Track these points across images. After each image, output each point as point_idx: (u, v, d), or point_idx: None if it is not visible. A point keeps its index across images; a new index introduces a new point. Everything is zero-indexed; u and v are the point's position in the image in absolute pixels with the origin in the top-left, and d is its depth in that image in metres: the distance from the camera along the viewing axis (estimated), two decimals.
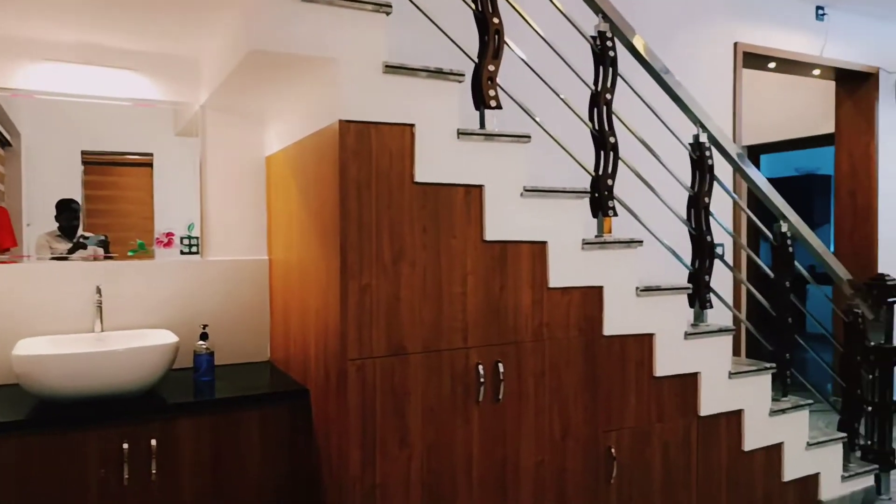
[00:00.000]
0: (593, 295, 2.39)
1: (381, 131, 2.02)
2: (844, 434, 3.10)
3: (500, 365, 2.21)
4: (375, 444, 2.04)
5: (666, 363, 2.54)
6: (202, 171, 2.67)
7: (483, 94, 2.19)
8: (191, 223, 2.65)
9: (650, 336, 2.52)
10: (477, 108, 2.23)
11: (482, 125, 2.21)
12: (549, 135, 2.38)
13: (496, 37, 2.19)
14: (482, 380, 2.18)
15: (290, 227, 2.50)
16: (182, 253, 2.63)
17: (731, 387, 2.72)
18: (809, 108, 5.62)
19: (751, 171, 2.84)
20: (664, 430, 2.56)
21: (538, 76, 2.37)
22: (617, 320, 2.43)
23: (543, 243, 2.29)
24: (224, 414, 2.18)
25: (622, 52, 2.51)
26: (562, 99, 2.41)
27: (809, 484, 2.98)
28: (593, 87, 2.46)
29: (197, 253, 2.65)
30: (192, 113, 2.67)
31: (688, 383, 2.62)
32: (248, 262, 2.73)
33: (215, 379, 2.40)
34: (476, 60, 2.22)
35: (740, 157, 2.82)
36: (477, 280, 2.18)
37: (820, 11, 4.46)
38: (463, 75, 2.14)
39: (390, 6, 2.05)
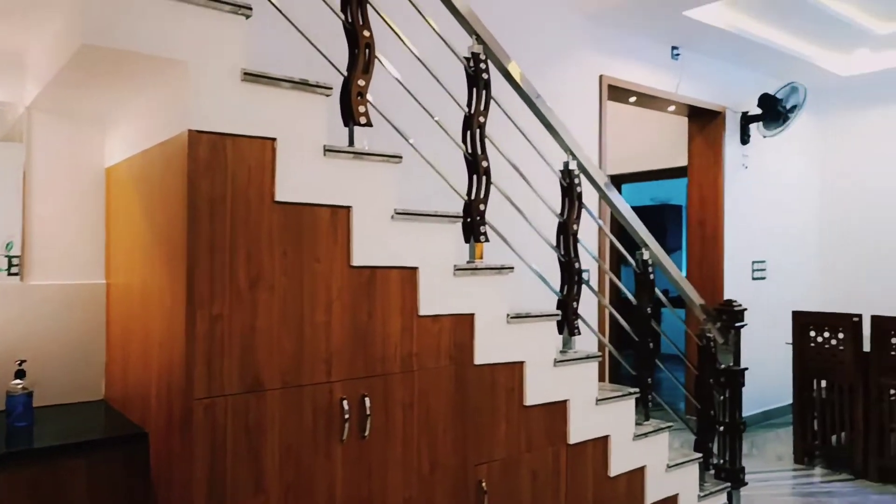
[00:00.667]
0: (464, 322, 2.31)
1: (238, 144, 1.84)
2: (701, 454, 3.23)
3: (367, 399, 2.06)
4: (225, 492, 1.81)
5: (536, 391, 2.51)
6: (26, 181, 2.32)
7: (352, 109, 2.06)
8: (10, 241, 2.29)
9: (521, 364, 2.47)
10: (346, 124, 2.09)
11: (351, 143, 2.08)
12: (422, 156, 2.29)
13: (367, 50, 2.08)
14: (347, 415, 2.02)
15: (133, 247, 2.22)
16: None
17: (598, 413, 2.74)
18: (665, 142, 6.00)
19: (617, 199, 2.91)
20: (533, 459, 2.52)
21: (411, 95, 2.28)
22: (488, 348, 2.37)
23: (414, 269, 2.18)
24: (44, 465, 1.86)
25: (497, 78, 2.48)
26: (435, 120, 2.33)
27: None
28: (467, 110, 2.41)
29: (17, 275, 2.30)
30: (16, 115, 2.32)
31: (557, 411, 2.60)
32: (80, 286, 2.41)
33: (34, 423, 2.07)
34: (345, 74, 2.09)
35: (607, 185, 2.88)
36: (343, 308, 2.03)
37: (675, 51, 4.76)
38: (331, 89, 2.00)
39: (250, 8, 1.87)
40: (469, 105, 2.40)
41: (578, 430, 2.66)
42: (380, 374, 2.10)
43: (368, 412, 2.06)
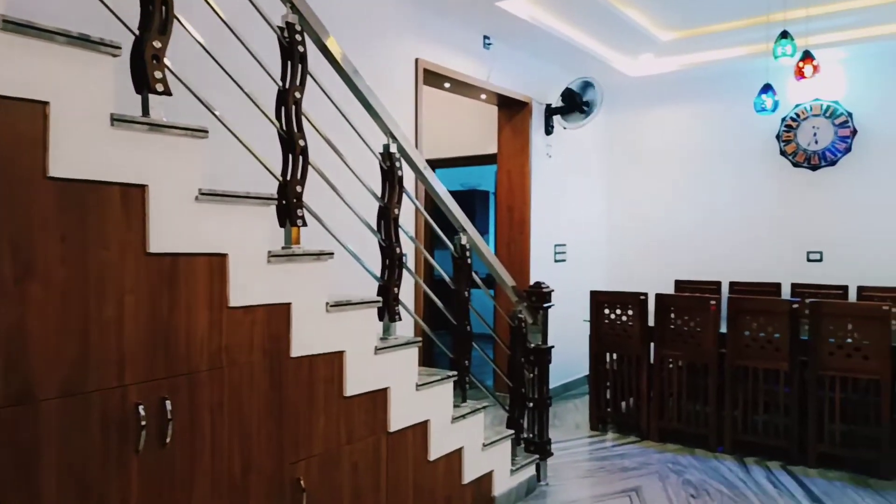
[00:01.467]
0: (280, 313, 2.16)
1: None
2: (513, 431, 3.37)
3: (168, 402, 1.84)
4: None
5: (356, 381, 2.43)
6: None
7: (147, 74, 1.81)
8: None
9: (340, 354, 2.37)
10: (139, 91, 1.83)
11: (146, 112, 1.82)
12: (229, 129, 2.08)
13: (163, 7, 1.83)
14: (143, 422, 1.78)
15: None
16: None
17: (418, 398, 2.73)
18: (477, 130, 6.18)
19: (437, 184, 2.90)
20: (354, 451, 2.44)
21: (217, 63, 2.06)
22: (306, 339, 2.24)
23: (223, 256, 1.98)
24: None
25: (316, 55, 2.33)
26: (245, 92, 2.13)
27: (484, 482, 3.15)
28: (281, 84, 2.23)
29: None
30: None
31: (378, 399, 2.54)
32: None
33: None
34: (137, 33, 1.82)
35: (427, 169, 2.86)
36: (138, 301, 1.78)
37: (487, 41, 4.89)
38: (119, 48, 1.73)
39: None
40: (283, 79, 2.23)
41: (399, 418, 2.63)
42: (184, 374, 1.89)
43: (170, 417, 1.84)
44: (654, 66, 5.88)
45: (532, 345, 3.57)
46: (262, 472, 2.11)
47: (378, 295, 2.63)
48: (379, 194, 2.65)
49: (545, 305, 3.61)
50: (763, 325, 4.06)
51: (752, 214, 5.83)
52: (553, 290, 3.67)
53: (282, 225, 2.23)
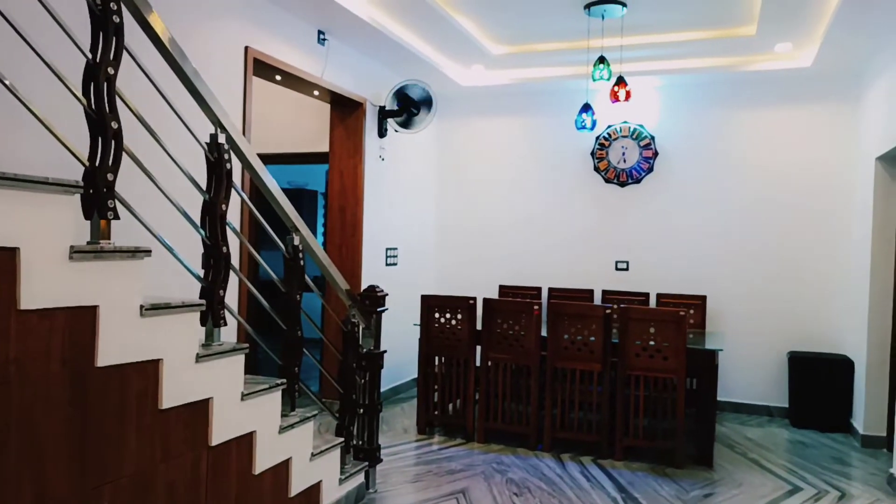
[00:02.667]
0: (84, 317, 1.89)
1: None
2: (342, 438, 3.27)
3: None
4: None
5: (175, 392, 2.20)
6: None
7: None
8: None
9: (157, 362, 2.13)
10: None
11: None
12: (25, 104, 1.78)
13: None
14: None
15: None
16: None
17: (243, 409, 2.54)
18: (308, 126, 5.98)
19: (269, 180, 2.73)
20: (170, 469, 2.20)
21: (9, 23, 1.75)
22: (115, 347, 1.98)
23: (13, 250, 1.69)
24: None
25: (140, 37, 2.08)
26: (45, 61, 1.84)
27: (312, 494, 3.02)
28: (90, 56, 1.96)
29: None
30: None
31: (199, 412, 2.32)
32: None
33: None
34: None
35: (258, 163, 2.68)
36: None
37: (321, 36, 4.75)
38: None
39: None
40: (94, 51, 1.96)
41: (222, 430, 2.43)
42: None
43: None
44: (484, 78, 6.09)
45: (364, 350, 3.49)
46: (58, 500, 1.82)
47: (201, 297, 2.41)
48: (204, 188, 2.43)
49: (379, 309, 3.56)
50: (580, 329, 4.33)
51: (569, 225, 6.24)
52: (387, 294, 3.63)
53: (88, 217, 1.96)
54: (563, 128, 6.19)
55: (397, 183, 5.96)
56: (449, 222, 6.69)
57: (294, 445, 2.86)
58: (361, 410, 3.51)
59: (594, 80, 4.60)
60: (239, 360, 2.52)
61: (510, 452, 4.38)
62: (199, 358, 2.30)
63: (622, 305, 4.33)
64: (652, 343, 4.17)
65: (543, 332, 4.48)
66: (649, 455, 4.32)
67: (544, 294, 6.18)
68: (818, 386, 5.18)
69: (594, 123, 4.91)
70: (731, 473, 4.08)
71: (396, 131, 5.71)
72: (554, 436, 4.42)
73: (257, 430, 2.62)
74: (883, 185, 4.74)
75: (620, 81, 4.59)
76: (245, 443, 2.57)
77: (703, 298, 5.60)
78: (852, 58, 4.94)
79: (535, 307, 4.44)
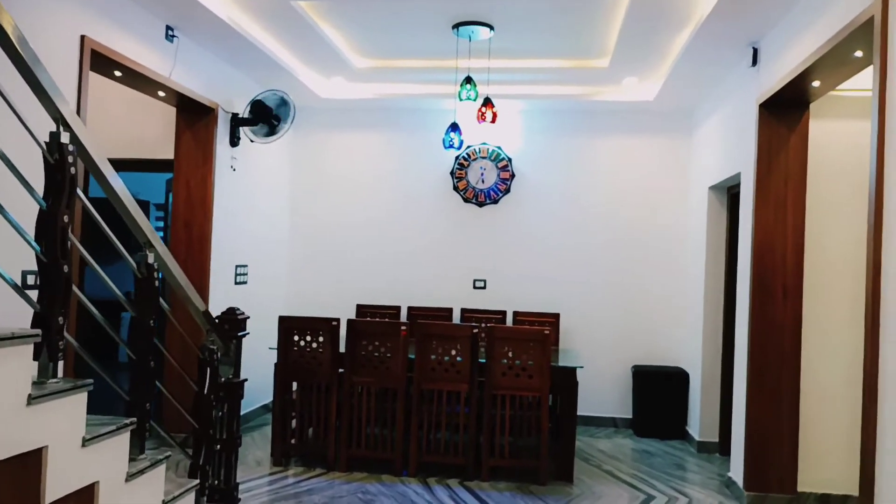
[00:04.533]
0: None
1: None
2: (198, 480, 2.91)
3: None
4: None
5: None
6: None
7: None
8: None
9: None
10: None
11: None
12: None
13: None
14: None
15: None
16: None
17: (85, 457, 2.15)
18: (150, 131, 5.44)
19: (121, 188, 2.37)
20: None
21: None
22: None
23: None
24: None
25: None
26: None
27: None
28: None
29: None
30: None
31: (30, 464, 1.92)
32: None
33: None
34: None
35: (108, 168, 2.31)
36: None
37: (170, 32, 4.33)
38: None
39: None
40: None
41: (58, 484, 2.03)
42: None
43: None
44: (345, 91, 5.91)
45: (223, 379, 3.16)
46: None
47: (35, 326, 2.01)
48: (41, 195, 2.04)
49: (240, 334, 3.24)
50: (447, 350, 4.27)
51: (429, 243, 6.20)
52: (248, 317, 3.32)
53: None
54: (425, 146, 6.17)
55: (249, 196, 5.59)
56: (303, 239, 6.39)
57: (144, 494, 2.49)
58: (218, 446, 3.16)
59: (460, 99, 4.61)
60: (81, 399, 2.13)
61: (375, 480, 4.19)
62: (31, 400, 1.90)
63: (489, 325, 4.33)
64: (518, 362, 4.21)
65: (410, 354, 4.37)
66: (513, 474, 4.34)
67: (403, 313, 6.08)
68: (658, 397, 5.55)
69: (461, 143, 4.92)
70: (591, 487, 4.20)
71: (252, 141, 5.35)
72: (420, 460, 4.31)
73: (101, 480, 2.23)
74: (715, 211, 5.20)
75: (487, 102, 4.64)
76: (86, 497, 2.18)
77: (556, 316, 5.80)
78: (687, 97, 5.40)
79: (403, 328, 4.32)
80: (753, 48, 4.09)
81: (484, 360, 4.27)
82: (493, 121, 4.61)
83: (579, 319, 5.94)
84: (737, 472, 4.12)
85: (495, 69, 5.11)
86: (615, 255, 5.96)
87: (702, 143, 5.44)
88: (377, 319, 5.38)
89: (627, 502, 3.96)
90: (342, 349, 4.41)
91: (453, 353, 4.27)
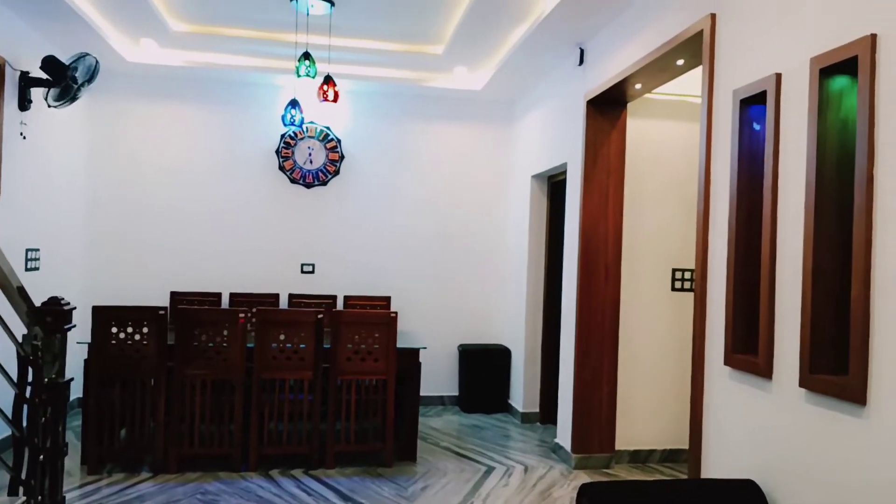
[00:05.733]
0: None
1: None
2: (24, 497, 2.49)
3: None
4: None
5: None
6: None
7: None
8: None
9: None
10: None
11: None
12: None
13: None
14: None
15: None
16: None
17: None
18: None
19: None
20: None
21: None
22: None
23: None
24: None
25: None
26: None
27: None
28: None
29: None
30: None
31: None
32: None
33: None
34: None
35: None
36: None
37: None
38: None
39: None
40: None
41: None
42: None
43: None
44: (156, 56, 5.36)
45: (46, 379, 2.73)
46: None
47: None
48: None
49: (65, 327, 2.82)
50: (290, 337, 4.11)
51: (253, 226, 5.88)
52: (75, 308, 2.90)
53: None
54: (249, 122, 5.83)
55: (42, 169, 4.85)
56: (106, 220, 5.69)
57: None
58: (42, 457, 2.73)
59: (298, 76, 4.41)
60: None
61: (212, 479, 3.91)
62: None
63: (334, 310, 4.24)
64: (363, 346, 4.18)
65: (249, 343, 4.13)
66: (359, 458, 4.32)
67: (225, 300, 5.71)
68: (483, 374, 5.85)
69: (302, 120, 4.71)
70: (434, 464, 4.32)
71: (49, 106, 4.64)
72: (261, 453, 4.10)
73: None
74: (536, 199, 5.58)
75: (329, 80, 4.50)
76: None
77: (387, 300, 5.84)
78: (513, 89, 5.72)
79: (241, 315, 4.06)
80: (580, 48, 4.45)
81: (329, 346, 4.18)
82: (336, 100, 4.49)
83: (408, 303, 6.04)
84: (563, 437, 4.50)
85: (334, 47, 4.97)
86: (442, 239, 6.14)
87: (525, 133, 5.79)
88: (213, 307, 4.98)
89: (472, 474, 4.14)
90: (171, 341, 4.03)
91: (296, 340, 4.11)
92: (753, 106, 2.63)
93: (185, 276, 5.77)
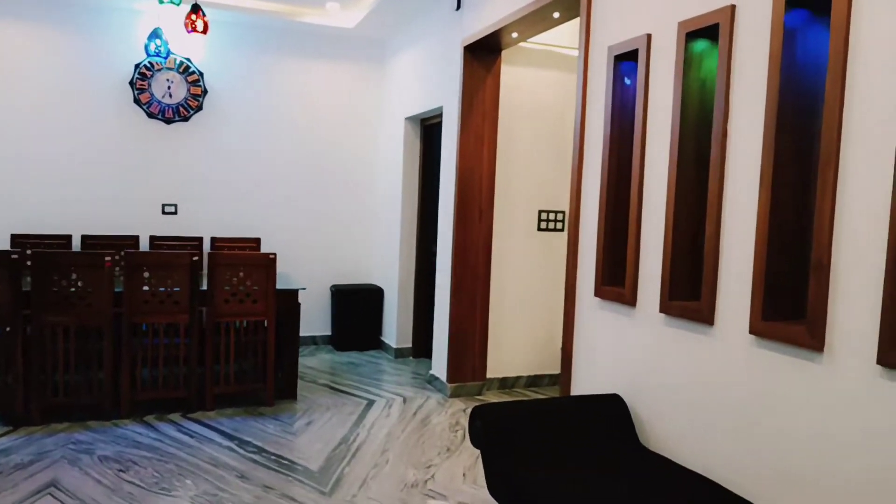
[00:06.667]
0: None
1: None
2: None
3: None
4: None
5: None
6: None
7: None
8: None
9: None
10: None
11: None
12: None
13: None
14: None
15: None
16: None
17: None
18: None
19: None
20: None
21: None
22: None
23: None
24: None
25: None
26: None
27: None
28: None
29: None
30: None
31: None
32: None
33: None
34: None
35: None
36: None
37: None
38: None
39: None
40: None
41: None
42: None
43: None
44: None
45: None
46: None
47: None
48: None
49: None
50: (163, 279, 3.96)
51: (106, 163, 5.46)
52: None
53: None
54: (100, 49, 5.33)
55: None
56: None
57: None
58: None
59: (161, 2, 4.13)
60: None
61: (81, 428, 3.74)
62: None
63: (210, 251, 4.12)
64: (242, 288, 4.13)
65: (118, 287, 3.92)
66: (239, 400, 4.31)
67: (76, 243, 5.32)
68: (356, 313, 5.97)
69: (168, 52, 4.40)
70: (315, 400, 4.43)
71: None
72: (134, 399, 3.97)
73: None
74: (410, 141, 5.67)
75: (197, 10, 4.23)
76: None
77: (257, 241, 5.73)
78: (386, 29, 5.68)
79: (108, 258, 3.84)
80: None
81: (206, 289, 4.08)
82: (205, 31, 4.25)
83: (279, 243, 5.96)
84: (439, 369, 4.77)
85: None
86: (312, 179, 6.07)
87: (399, 74, 5.80)
88: (73, 251, 4.60)
89: (354, 408, 4.30)
90: (28, 287, 3.74)
91: (170, 282, 3.97)
92: (625, 62, 2.89)
93: (28, 217, 5.27)
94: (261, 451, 3.53)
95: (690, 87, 2.50)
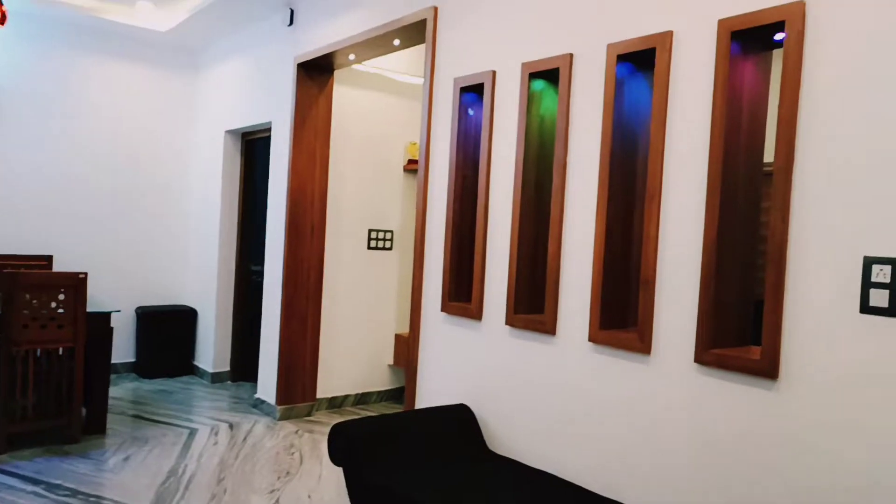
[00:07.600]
0: None
1: None
2: None
3: None
4: None
5: None
6: None
7: None
8: None
9: None
10: None
11: None
12: None
13: None
14: None
15: None
16: None
17: None
18: None
19: None
20: None
21: None
22: None
23: None
24: None
25: None
26: None
27: None
28: None
29: None
30: None
31: None
32: None
33: None
34: None
35: None
36: None
37: None
38: None
39: None
40: None
41: None
42: None
43: None
44: None
45: None
46: None
47: None
48: None
49: None
50: None
51: None
52: None
53: None
54: None
55: None
56: None
57: None
58: None
59: None
60: None
61: None
62: None
63: (9, 271, 3.61)
64: (44, 312, 3.67)
65: None
66: (38, 438, 3.80)
67: None
68: (165, 337, 5.55)
69: None
70: (129, 433, 4.05)
71: None
72: None
73: None
74: (230, 155, 5.45)
75: None
76: None
77: (49, 259, 5.10)
78: (205, 37, 5.42)
79: None
80: (291, 9, 4.49)
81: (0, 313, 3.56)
82: (3, 22, 3.74)
83: (76, 262, 5.35)
84: (266, 391, 4.62)
85: None
86: (116, 192, 5.56)
87: (219, 85, 5.54)
88: None
89: (176, 438, 4.00)
90: None
91: None
92: (469, 93, 3.11)
93: None
94: (75, 493, 3.16)
95: (532, 120, 2.79)
